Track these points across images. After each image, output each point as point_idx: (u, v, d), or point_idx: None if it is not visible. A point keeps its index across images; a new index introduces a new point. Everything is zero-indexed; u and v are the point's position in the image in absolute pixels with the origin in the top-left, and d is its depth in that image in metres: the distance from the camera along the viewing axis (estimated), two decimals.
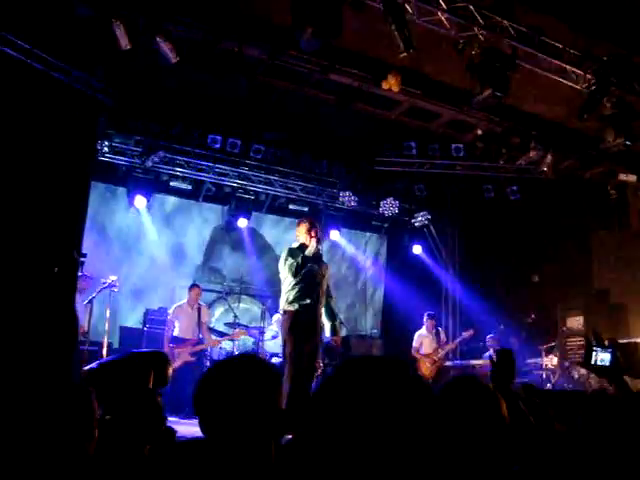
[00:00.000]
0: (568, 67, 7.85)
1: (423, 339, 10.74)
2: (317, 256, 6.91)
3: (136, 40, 7.32)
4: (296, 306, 6.63)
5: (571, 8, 7.15)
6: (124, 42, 7.21)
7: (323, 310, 6.91)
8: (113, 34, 7.15)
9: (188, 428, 5.17)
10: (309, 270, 6.73)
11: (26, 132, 7.46)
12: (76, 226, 8.14)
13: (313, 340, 6.66)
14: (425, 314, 10.95)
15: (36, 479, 1.67)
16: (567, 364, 10.14)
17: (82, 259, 7.72)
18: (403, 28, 6.65)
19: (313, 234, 6.83)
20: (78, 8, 7.11)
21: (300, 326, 6.59)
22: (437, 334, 10.82)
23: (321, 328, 6.88)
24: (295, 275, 6.65)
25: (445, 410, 2.05)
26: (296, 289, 6.68)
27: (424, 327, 10.82)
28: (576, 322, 10.66)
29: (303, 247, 6.83)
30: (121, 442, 2.66)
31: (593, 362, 3.60)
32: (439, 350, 10.64)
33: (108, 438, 2.50)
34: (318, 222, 7.56)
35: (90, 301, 8.41)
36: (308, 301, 6.66)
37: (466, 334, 10.92)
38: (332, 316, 7.03)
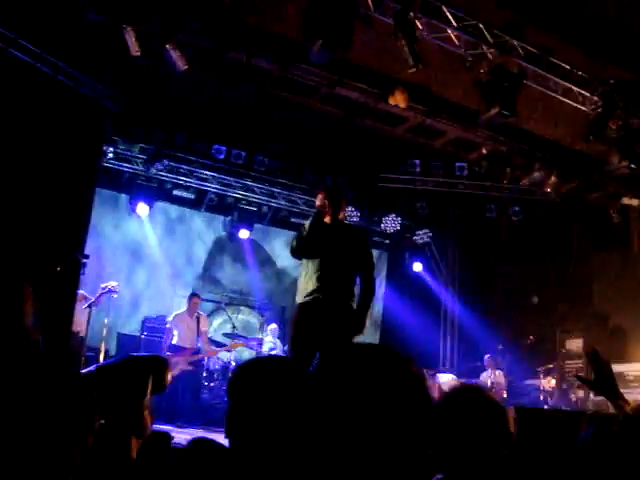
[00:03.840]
0: (575, 89, 7.87)
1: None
2: (335, 229, 5.24)
3: (145, 47, 7.35)
4: (301, 298, 5.13)
5: (579, 31, 7.19)
6: (134, 49, 7.23)
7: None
8: (123, 40, 7.17)
9: (183, 436, 5.12)
10: (319, 248, 5.10)
11: (33, 135, 7.47)
12: (80, 228, 8.14)
13: (326, 342, 4.93)
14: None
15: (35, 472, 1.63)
16: (565, 386, 10.10)
17: (84, 260, 7.71)
18: (413, 44, 6.67)
19: (323, 202, 5.23)
20: (89, 13, 7.14)
21: (302, 325, 5.08)
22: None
23: (343, 326, 5.07)
24: (296, 253, 5.22)
25: (450, 417, 2.02)
26: (302, 275, 5.22)
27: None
28: (575, 344, 10.63)
29: (315, 223, 5.18)
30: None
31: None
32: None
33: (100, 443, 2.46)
34: (337, 191, 5.93)
35: (89, 306, 8.37)
36: (315, 290, 5.05)
37: None
38: (356, 313, 5.22)
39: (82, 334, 8.28)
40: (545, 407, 9.78)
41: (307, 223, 5.17)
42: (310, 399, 1.15)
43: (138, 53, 7.25)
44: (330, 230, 5.22)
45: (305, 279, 5.18)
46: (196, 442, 1.98)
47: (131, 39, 7.12)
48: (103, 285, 8.62)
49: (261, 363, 2.00)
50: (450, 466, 1.98)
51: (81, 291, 8.66)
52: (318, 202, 5.32)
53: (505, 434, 2.06)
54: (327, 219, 5.24)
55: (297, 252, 5.23)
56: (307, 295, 5.10)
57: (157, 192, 11.19)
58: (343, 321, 5.11)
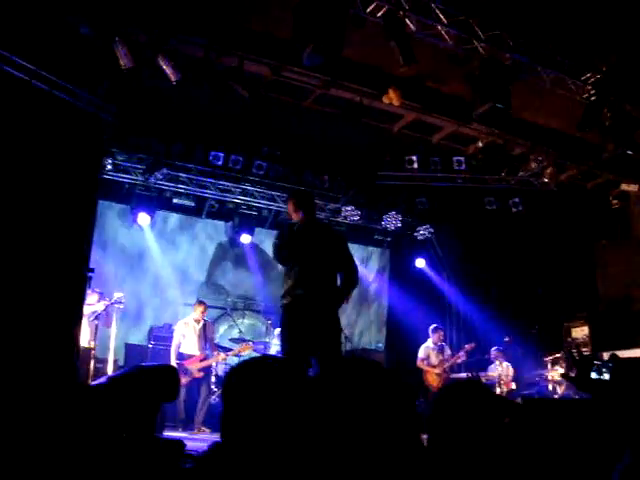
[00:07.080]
0: (567, 78, 7.90)
1: (429, 351, 10.67)
2: (313, 229, 5.49)
3: (138, 58, 7.38)
4: (288, 298, 5.24)
5: (570, 20, 7.21)
6: (125, 61, 7.27)
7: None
8: (115, 53, 7.21)
9: (197, 444, 5.15)
10: (301, 248, 5.29)
11: (31, 151, 7.50)
12: (84, 242, 8.17)
13: (318, 341, 5.14)
14: (431, 327, 10.88)
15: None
16: (573, 374, 10.10)
17: (90, 274, 7.75)
18: (404, 43, 6.70)
19: (297, 206, 5.54)
20: (81, 27, 7.16)
21: (294, 324, 5.19)
22: (442, 348, 10.75)
23: (333, 323, 5.29)
24: (279, 259, 5.39)
25: (447, 410, 2.04)
26: (287, 277, 5.33)
27: (430, 340, 10.76)
28: (581, 332, 10.65)
29: (291, 226, 5.49)
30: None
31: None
32: (444, 363, 10.56)
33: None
34: (304, 193, 6.78)
35: (96, 317, 8.41)
36: (301, 289, 5.20)
37: (468, 347, 10.83)
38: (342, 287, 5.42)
39: (90, 346, 8.32)
40: (555, 397, 9.81)
41: (280, 236, 5.41)
42: (308, 404, 1.19)
43: (130, 65, 7.29)
44: (307, 232, 5.41)
45: (286, 281, 5.34)
46: (216, 446, 2.01)
47: (123, 51, 7.16)
48: (108, 298, 8.67)
49: (252, 364, 2.00)
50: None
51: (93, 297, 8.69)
52: (290, 209, 5.62)
53: (500, 426, 2.08)
54: (300, 221, 5.47)
55: (282, 261, 5.44)
56: (290, 296, 5.25)
57: (157, 201, 11.23)
58: (330, 318, 5.30)
